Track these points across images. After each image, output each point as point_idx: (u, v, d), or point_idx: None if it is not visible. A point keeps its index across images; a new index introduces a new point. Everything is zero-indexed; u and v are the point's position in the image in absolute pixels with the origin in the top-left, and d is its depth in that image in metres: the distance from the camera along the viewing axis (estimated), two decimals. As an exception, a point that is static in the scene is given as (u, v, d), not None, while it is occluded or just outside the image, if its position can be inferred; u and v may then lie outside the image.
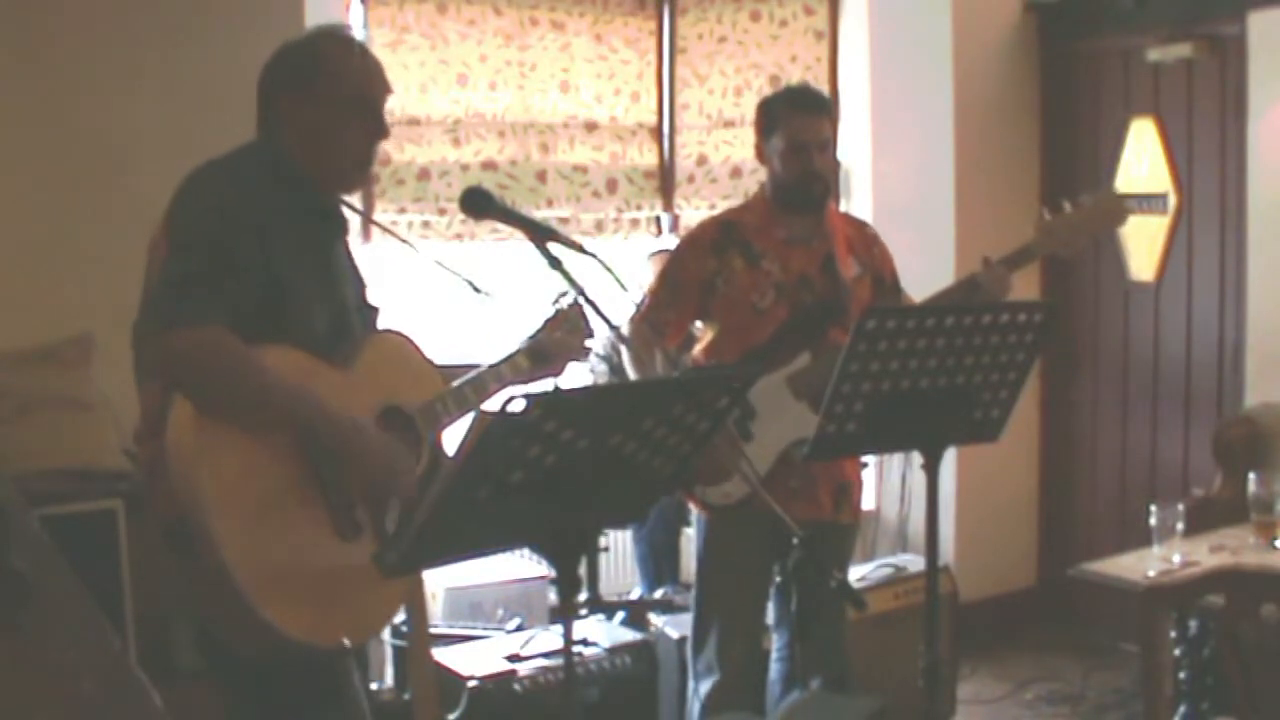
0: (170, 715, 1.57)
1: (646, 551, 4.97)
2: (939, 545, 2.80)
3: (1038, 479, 5.53)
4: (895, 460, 5.19)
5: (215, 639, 2.24)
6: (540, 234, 2.35)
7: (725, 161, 5.51)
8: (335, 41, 2.38)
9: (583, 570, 3.79)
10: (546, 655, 3.82)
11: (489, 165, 5.07)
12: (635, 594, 4.86)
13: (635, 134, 5.42)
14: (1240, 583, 2.72)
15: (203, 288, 2.13)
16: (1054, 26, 5.31)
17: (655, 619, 4.17)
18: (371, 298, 2.53)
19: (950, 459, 2.92)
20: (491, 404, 2.49)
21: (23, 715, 1.47)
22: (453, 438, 2.37)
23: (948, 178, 5.22)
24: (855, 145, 5.49)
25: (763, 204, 3.41)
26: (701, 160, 5.53)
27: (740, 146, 5.44)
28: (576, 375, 2.80)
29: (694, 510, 3.44)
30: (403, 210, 4.89)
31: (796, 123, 3.29)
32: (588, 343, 2.76)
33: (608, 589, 4.88)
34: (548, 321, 2.70)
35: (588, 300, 2.39)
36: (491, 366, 2.56)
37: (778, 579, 3.37)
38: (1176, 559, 3.27)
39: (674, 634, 3.91)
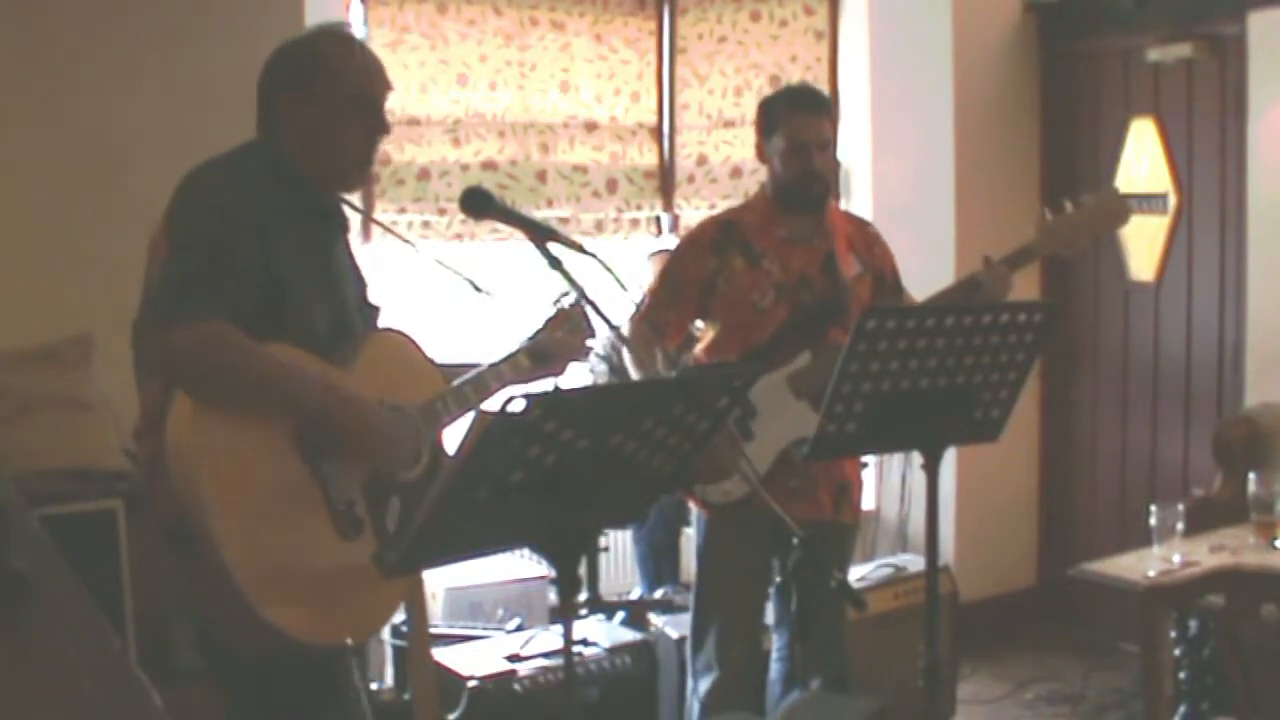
0: (170, 715, 1.57)
1: (646, 551, 4.97)
2: (939, 545, 2.80)
3: (1038, 479, 5.52)
4: (895, 460, 5.19)
5: (215, 639, 2.24)
6: (540, 234, 2.35)
7: (725, 161, 5.51)
8: (335, 40, 2.38)
9: (583, 570, 3.79)
10: (546, 655, 3.82)
11: (489, 165, 5.07)
12: (635, 594, 4.86)
13: (635, 134, 5.42)
14: (1240, 583, 2.71)
15: (203, 286, 2.13)
16: (1054, 26, 5.31)
17: (655, 619, 4.17)
18: (372, 297, 2.53)
19: (950, 459, 2.92)
20: (492, 403, 2.49)
21: (23, 715, 1.47)
22: (453, 437, 2.37)
23: (948, 178, 5.22)
24: (855, 145, 5.49)
25: (763, 204, 3.41)
26: (701, 160, 5.53)
27: (740, 146, 5.44)
28: (576, 375, 2.79)
29: (694, 509, 3.45)
30: (403, 210, 4.89)
31: (797, 123, 3.30)
32: (589, 343, 2.76)
33: (608, 589, 4.88)
34: (549, 321, 2.70)
35: (588, 300, 2.39)
36: (492, 366, 2.56)
37: (778, 579, 3.37)
38: (1176, 559, 3.27)
39: (674, 634, 3.91)
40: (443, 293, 4.32)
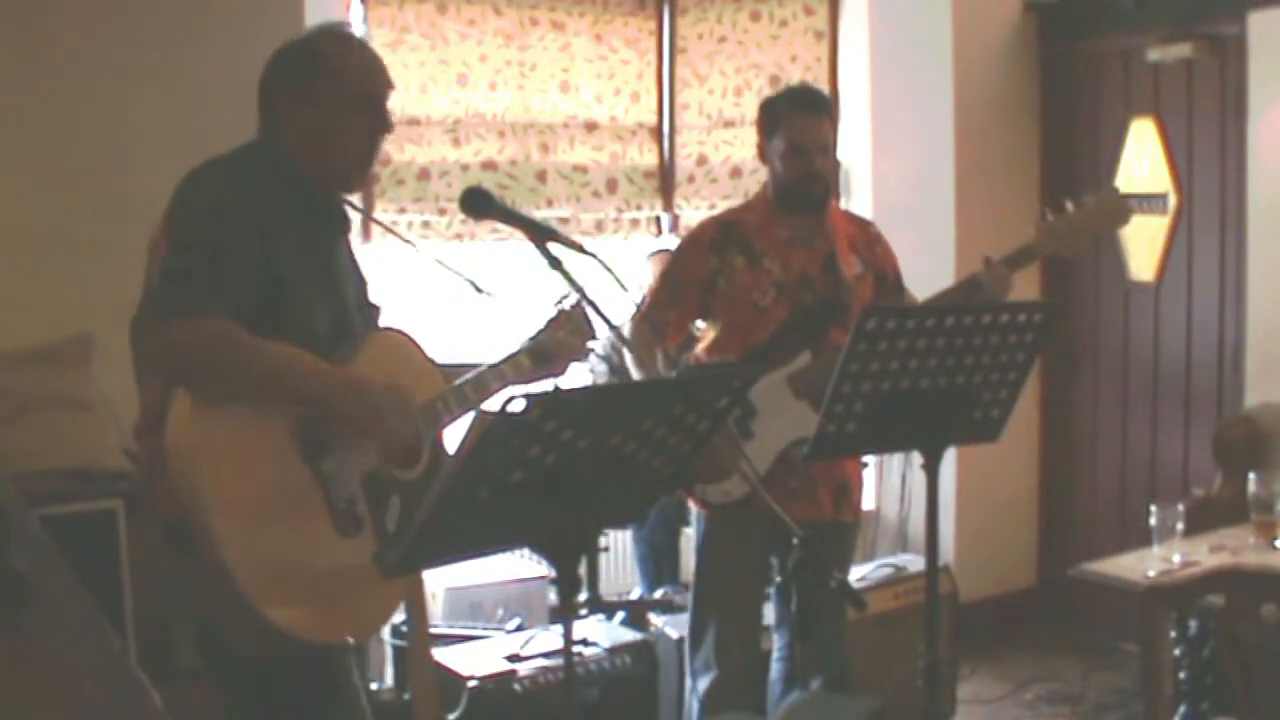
0: (170, 715, 1.57)
1: (646, 551, 4.97)
2: (939, 545, 2.80)
3: (1038, 479, 5.52)
4: (895, 460, 5.19)
5: (215, 639, 2.24)
6: (540, 234, 2.35)
7: (725, 161, 5.51)
8: (335, 39, 2.38)
9: (583, 570, 3.79)
10: (546, 655, 3.82)
11: (489, 165, 5.07)
12: (635, 594, 4.86)
13: (635, 134, 5.42)
14: (1240, 583, 2.71)
15: (203, 282, 2.13)
16: (1054, 26, 5.31)
17: (655, 619, 4.17)
18: (372, 297, 2.53)
19: (950, 459, 2.92)
20: (492, 403, 2.49)
21: (23, 715, 1.47)
22: (453, 437, 2.37)
23: (948, 178, 5.22)
24: (855, 145, 5.49)
25: (764, 204, 3.41)
26: (701, 160, 5.53)
27: (740, 146, 5.44)
28: (577, 375, 2.79)
29: (694, 508, 3.45)
30: (403, 210, 4.89)
31: (798, 124, 3.29)
32: (589, 344, 2.76)
33: (608, 589, 4.88)
34: (550, 322, 2.70)
35: (588, 300, 2.39)
36: (493, 366, 2.56)
37: (778, 578, 3.37)
38: (1176, 559, 3.27)
39: (674, 634, 3.91)
40: (443, 293, 4.32)
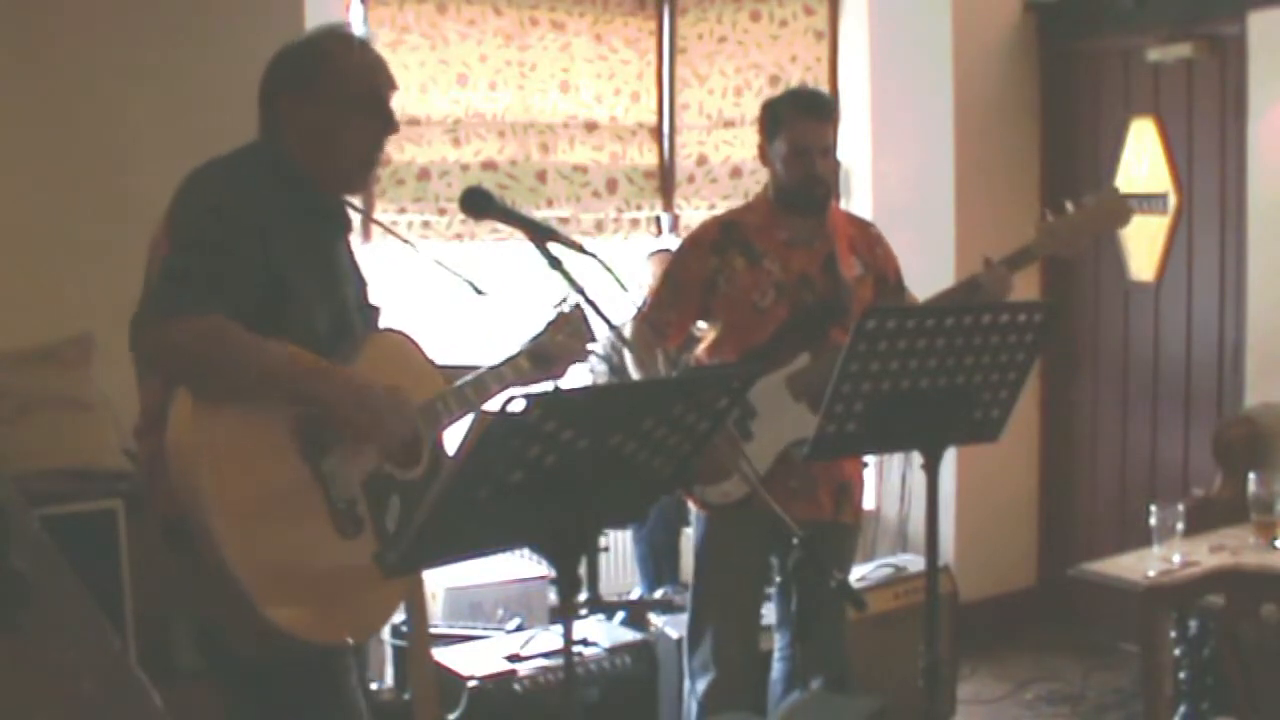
0: (170, 715, 1.57)
1: (646, 551, 4.97)
2: (939, 545, 2.80)
3: (1038, 479, 5.52)
4: (895, 460, 5.19)
5: (215, 639, 2.24)
6: (540, 234, 2.35)
7: (725, 161, 5.51)
8: (336, 39, 2.38)
9: (583, 570, 3.79)
10: (546, 655, 3.82)
11: (489, 165, 5.07)
12: (635, 594, 4.86)
13: (635, 134, 5.42)
14: (1240, 583, 2.72)
15: (203, 281, 2.13)
16: (1054, 26, 5.31)
17: (655, 619, 4.17)
18: (372, 297, 2.53)
19: (950, 459, 2.92)
20: (492, 405, 2.49)
21: (23, 715, 1.47)
22: (453, 438, 2.37)
23: (948, 178, 5.22)
24: (855, 145, 5.49)
25: (765, 205, 3.41)
26: (701, 160, 5.53)
27: (740, 146, 5.44)
28: (577, 375, 2.80)
29: (693, 509, 3.44)
30: (403, 210, 4.90)
31: (800, 127, 3.29)
32: (589, 346, 2.76)
33: (608, 589, 4.88)
34: (550, 324, 2.70)
35: (588, 301, 2.39)
36: (493, 368, 2.56)
37: (778, 579, 3.37)
38: (1176, 559, 3.27)
39: (674, 634, 3.90)
40: (442, 293, 4.32)
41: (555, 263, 2.34)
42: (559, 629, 3.42)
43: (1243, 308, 4.70)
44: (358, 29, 4.59)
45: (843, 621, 3.41)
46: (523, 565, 4.58)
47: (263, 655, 2.18)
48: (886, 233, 3.56)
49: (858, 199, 5.48)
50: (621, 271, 2.47)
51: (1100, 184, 4.52)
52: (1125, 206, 3.26)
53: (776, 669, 3.52)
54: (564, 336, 2.69)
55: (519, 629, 4.14)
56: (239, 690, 2.30)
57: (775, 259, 3.34)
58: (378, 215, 4.73)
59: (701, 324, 3.48)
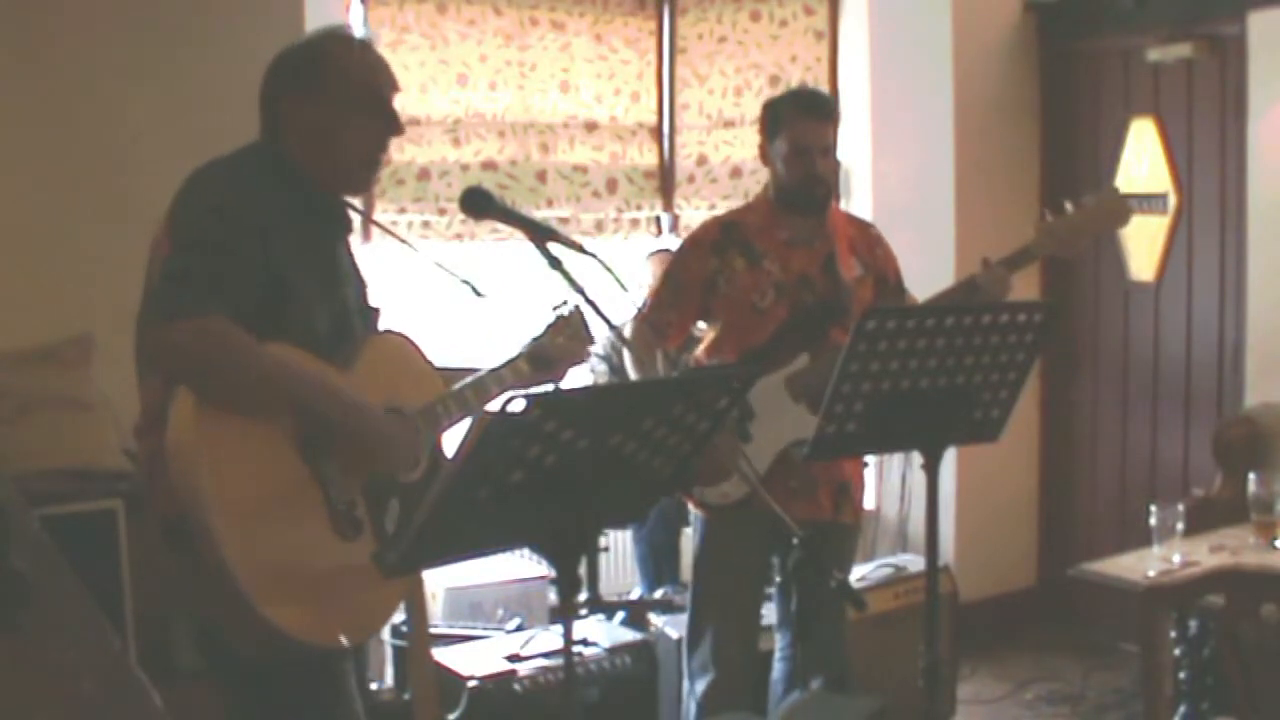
0: (170, 715, 1.57)
1: (646, 551, 4.97)
2: (939, 545, 2.80)
3: (1038, 479, 5.52)
4: (895, 460, 5.19)
5: (215, 639, 2.24)
6: (540, 234, 2.35)
7: (725, 161, 5.51)
8: (337, 40, 2.38)
9: (583, 570, 3.79)
10: (546, 655, 3.82)
11: (489, 165, 5.07)
12: (635, 594, 4.86)
13: (635, 134, 5.42)
14: (1240, 583, 2.72)
15: (204, 282, 2.13)
16: (1054, 26, 5.31)
17: (655, 619, 4.17)
18: (372, 298, 2.53)
19: (950, 459, 2.92)
20: (491, 407, 2.49)
21: (23, 715, 1.47)
22: (453, 440, 2.37)
23: (948, 178, 5.22)
24: (855, 145, 5.49)
25: (765, 205, 3.41)
26: (701, 160, 5.53)
27: (740, 146, 5.44)
28: (577, 375, 2.80)
29: (692, 510, 3.44)
30: (403, 210, 4.90)
31: (801, 127, 3.29)
32: (589, 348, 2.76)
33: (608, 589, 4.88)
34: (549, 327, 2.70)
35: (588, 301, 2.39)
36: (492, 370, 2.56)
37: (778, 579, 3.37)
38: (1176, 559, 3.27)
39: (674, 634, 3.90)
40: (442, 294, 4.32)
41: (555, 263, 2.34)
42: (559, 629, 3.42)
43: (1243, 308, 4.70)
44: (358, 29, 4.60)
45: (843, 621, 3.41)
46: (523, 565, 4.58)
47: (262, 655, 2.18)
48: (886, 233, 3.56)
49: (858, 199, 5.48)
50: (621, 272, 2.47)
51: (1100, 184, 4.52)
52: (1125, 207, 3.26)
53: (776, 669, 3.53)
54: (564, 339, 2.69)
55: (519, 629, 4.14)
56: (239, 690, 2.30)
57: (775, 259, 3.34)
58: (378, 215, 4.73)
59: (701, 324, 3.48)
